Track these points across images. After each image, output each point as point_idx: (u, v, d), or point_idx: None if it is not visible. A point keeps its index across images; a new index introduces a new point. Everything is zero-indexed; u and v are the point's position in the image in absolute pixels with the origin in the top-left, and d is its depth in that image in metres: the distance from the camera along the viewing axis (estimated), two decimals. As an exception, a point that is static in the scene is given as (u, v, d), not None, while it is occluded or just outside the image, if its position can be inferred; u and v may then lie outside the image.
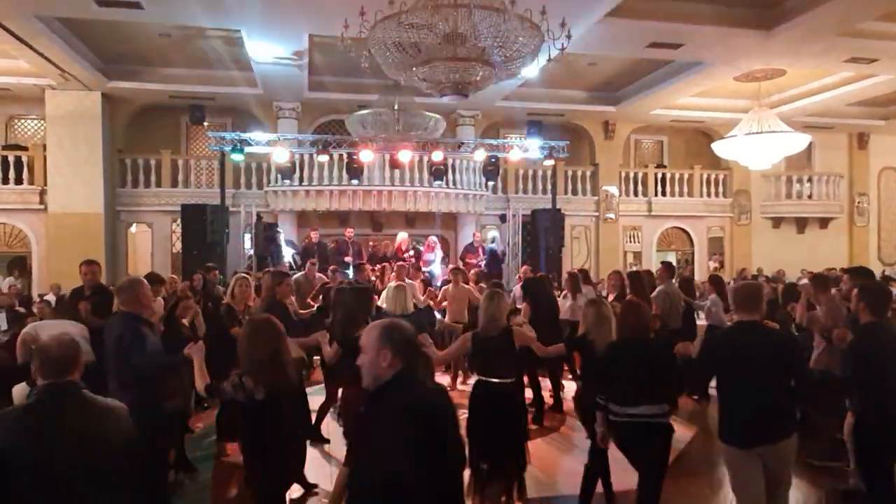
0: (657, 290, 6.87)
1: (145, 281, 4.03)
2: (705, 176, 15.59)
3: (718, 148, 11.44)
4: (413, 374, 2.15)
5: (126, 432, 2.39)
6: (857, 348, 3.65)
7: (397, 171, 12.21)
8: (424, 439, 1.99)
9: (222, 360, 4.79)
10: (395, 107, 9.59)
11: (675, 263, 15.48)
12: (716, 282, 7.61)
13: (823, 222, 16.08)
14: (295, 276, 8.02)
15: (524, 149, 12.04)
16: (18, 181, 12.23)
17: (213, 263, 8.88)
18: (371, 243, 12.51)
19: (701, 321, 7.51)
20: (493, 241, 12.40)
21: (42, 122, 12.71)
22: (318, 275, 8.89)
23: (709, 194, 15.61)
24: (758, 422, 3.17)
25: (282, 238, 11.64)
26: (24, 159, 12.31)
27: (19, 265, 12.53)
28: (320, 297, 7.09)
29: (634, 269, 12.12)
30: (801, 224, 16.01)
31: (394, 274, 8.06)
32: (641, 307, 3.84)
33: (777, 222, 15.96)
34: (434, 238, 11.91)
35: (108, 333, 3.76)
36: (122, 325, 3.69)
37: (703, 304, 7.50)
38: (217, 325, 5.13)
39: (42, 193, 12.24)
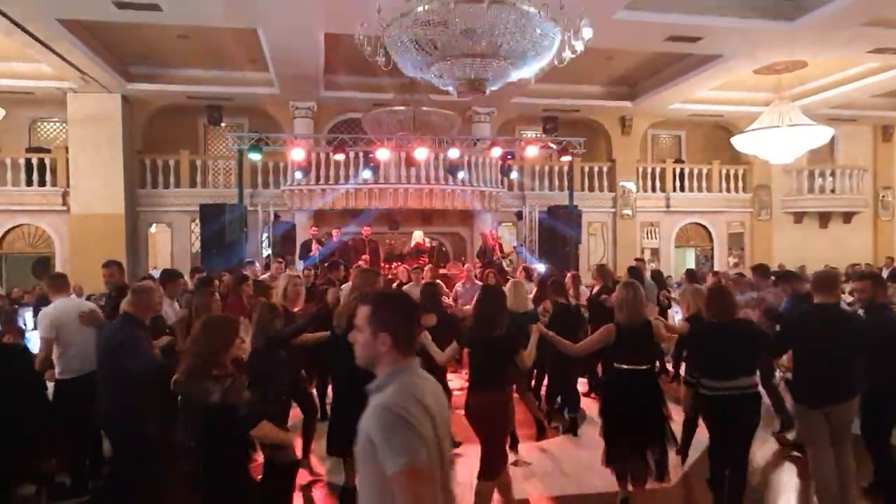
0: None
1: (158, 289, 4.11)
2: (725, 171, 15.37)
3: (738, 142, 11.26)
4: None
5: None
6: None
7: (413, 169, 12.21)
8: None
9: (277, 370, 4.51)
10: (411, 105, 9.59)
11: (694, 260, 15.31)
12: (689, 275, 8.16)
13: (847, 217, 15.77)
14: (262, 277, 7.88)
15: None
16: (42, 183, 12.46)
17: (202, 266, 8.84)
18: (388, 241, 12.53)
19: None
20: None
21: (64, 124, 12.92)
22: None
23: (728, 189, 15.39)
24: (826, 386, 3.87)
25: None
26: (47, 161, 12.54)
27: (43, 266, 12.76)
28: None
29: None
30: (824, 219, 15.71)
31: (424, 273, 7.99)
32: (727, 291, 4.28)
33: (799, 217, 15.69)
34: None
35: (108, 337, 3.75)
36: (124, 328, 3.70)
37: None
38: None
39: (65, 195, 12.45)
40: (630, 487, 4.16)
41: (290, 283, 5.07)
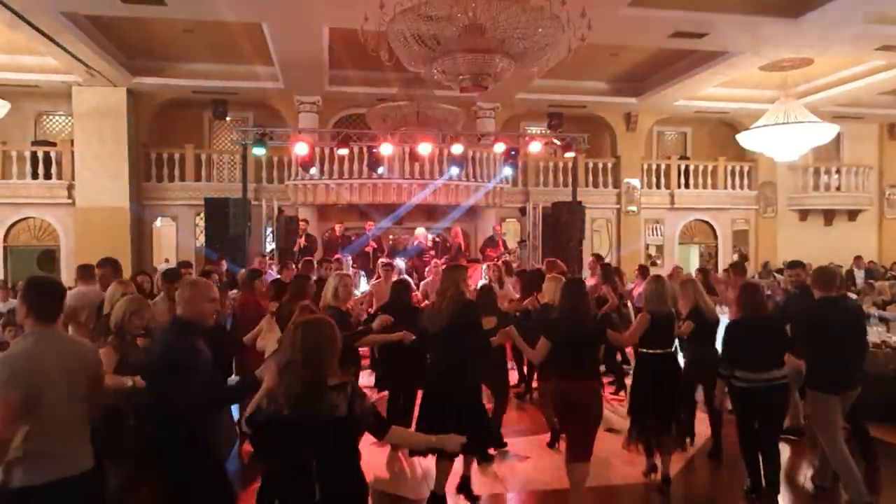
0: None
1: (210, 282, 3.33)
2: (730, 168, 15.31)
3: (744, 139, 11.21)
4: None
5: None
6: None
7: (417, 165, 12.21)
8: None
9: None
10: (415, 100, 9.58)
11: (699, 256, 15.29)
12: (643, 271, 8.43)
13: (852, 215, 15.71)
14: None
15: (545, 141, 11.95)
16: (47, 176, 12.53)
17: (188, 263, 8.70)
18: (391, 237, 12.56)
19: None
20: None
21: (69, 118, 12.97)
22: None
23: (733, 186, 15.34)
24: (846, 374, 4.21)
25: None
26: (53, 155, 12.60)
27: (48, 259, 12.85)
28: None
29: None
30: (829, 217, 15.66)
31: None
32: (759, 288, 4.60)
33: (804, 215, 15.64)
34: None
35: (161, 351, 2.98)
36: (176, 336, 2.93)
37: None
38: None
39: (70, 188, 12.51)
40: (658, 459, 4.63)
41: (341, 283, 4.83)
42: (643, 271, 8.36)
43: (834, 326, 4.19)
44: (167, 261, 13.05)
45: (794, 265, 5.83)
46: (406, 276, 7.60)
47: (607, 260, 14.16)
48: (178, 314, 3.05)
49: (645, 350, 4.66)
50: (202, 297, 3.04)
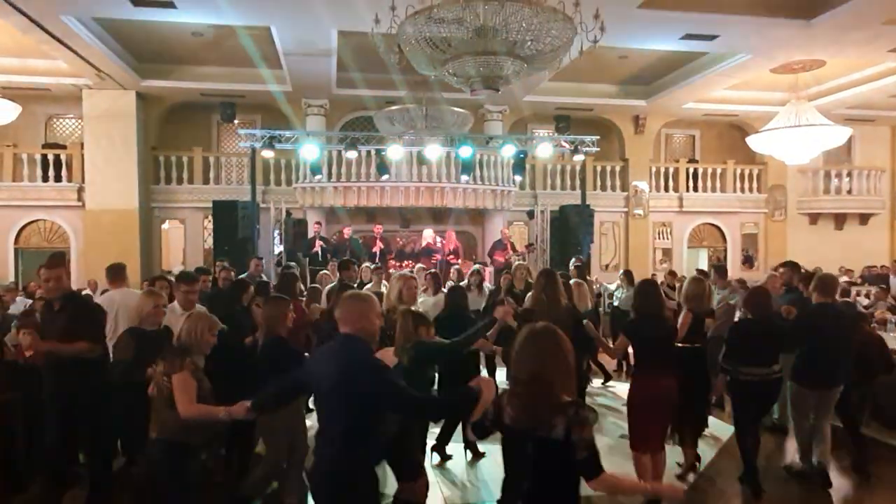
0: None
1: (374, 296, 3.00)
2: (739, 171, 15.21)
3: (753, 142, 11.13)
4: None
5: None
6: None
7: (425, 168, 12.19)
8: None
9: None
10: (423, 103, 9.59)
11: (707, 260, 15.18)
12: (627, 276, 8.74)
13: (863, 218, 15.56)
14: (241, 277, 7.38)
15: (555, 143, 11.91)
16: (58, 179, 12.60)
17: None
18: (399, 240, 12.55)
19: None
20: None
21: (79, 121, 13.04)
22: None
23: (742, 189, 15.24)
24: (826, 372, 4.58)
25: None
26: (63, 157, 12.68)
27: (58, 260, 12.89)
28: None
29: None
30: (840, 220, 15.52)
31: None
32: (766, 291, 4.88)
33: (814, 218, 15.50)
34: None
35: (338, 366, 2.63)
36: (367, 357, 2.63)
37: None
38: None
39: (80, 190, 12.58)
40: (687, 449, 4.89)
41: (405, 285, 4.57)
42: (628, 276, 8.78)
43: (823, 330, 4.52)
44: (182, 264, 13.09)
45: (785, 265, 6.18)
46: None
47: (614, 263, 14.25)
48: (348, 332, 2.63)
49: (679, 344, 4.82)
50: (373, 313, 2.70)
